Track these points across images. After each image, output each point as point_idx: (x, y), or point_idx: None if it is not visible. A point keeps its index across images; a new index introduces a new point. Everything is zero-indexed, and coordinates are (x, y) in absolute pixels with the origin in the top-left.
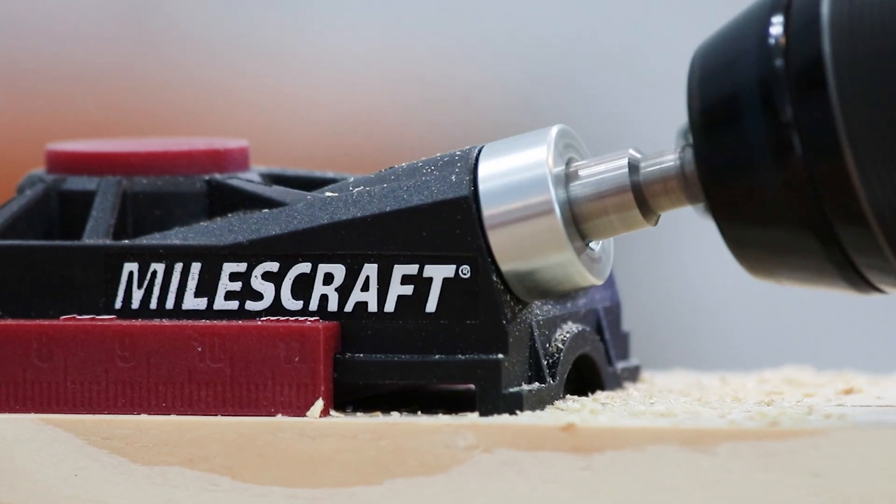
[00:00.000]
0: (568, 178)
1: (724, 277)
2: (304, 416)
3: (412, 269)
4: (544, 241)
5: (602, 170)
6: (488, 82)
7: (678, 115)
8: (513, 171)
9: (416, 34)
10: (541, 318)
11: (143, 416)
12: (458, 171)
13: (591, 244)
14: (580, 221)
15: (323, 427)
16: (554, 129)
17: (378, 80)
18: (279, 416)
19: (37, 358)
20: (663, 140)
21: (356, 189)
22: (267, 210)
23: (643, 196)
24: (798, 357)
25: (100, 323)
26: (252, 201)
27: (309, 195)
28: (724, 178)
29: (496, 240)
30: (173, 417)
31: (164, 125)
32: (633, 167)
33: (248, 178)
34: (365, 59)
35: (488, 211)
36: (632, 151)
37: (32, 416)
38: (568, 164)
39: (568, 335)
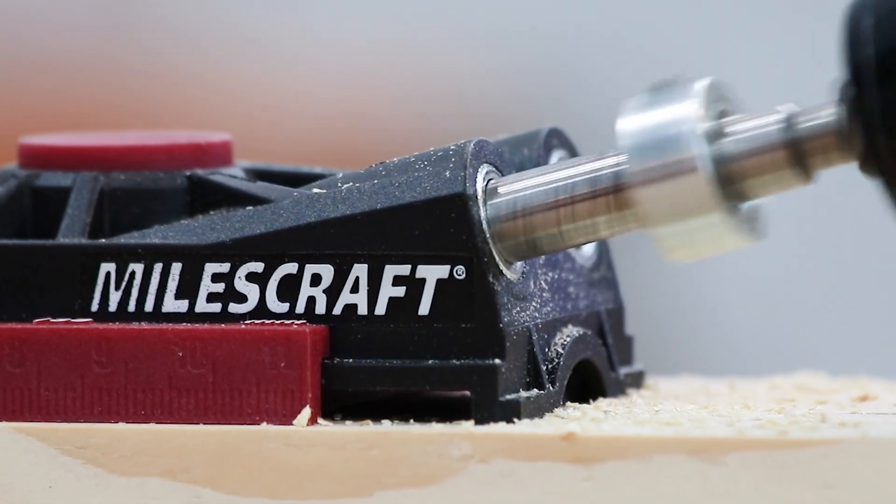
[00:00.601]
0: (717, 134)
1: (733, 278)
2: (291, 424)
3: (404, 269)
4: (691, 201)
5: (754, 125)
6: (483, 74)
7: None
8: (658, 126)
9: (409, 25)
10: (540, 321)
11: (121, 425)
12: (453, 167)
13: (743, 204)
14: (730, 181)
15: (310, 436)
16: (703, 82)
17: (369, 71)
18: (264, 424)
19: (8, 363)
20: None
21: (345, 185)
22: (251, 207)
23: (799, 153)
24: (810, 362)
25: (75, 326)
26: (235, 198)
27: (295, 192)
28: (893, 135)
29: (642, 198)
30: (152, 426)
31: (144, 118)
32: (789, 123)
33: (232, 174)
34: (355, 50)
35: (633, 168)
36: (786, 106)
37: (4, 424)
38: (718, 118)
39: (568, 339)
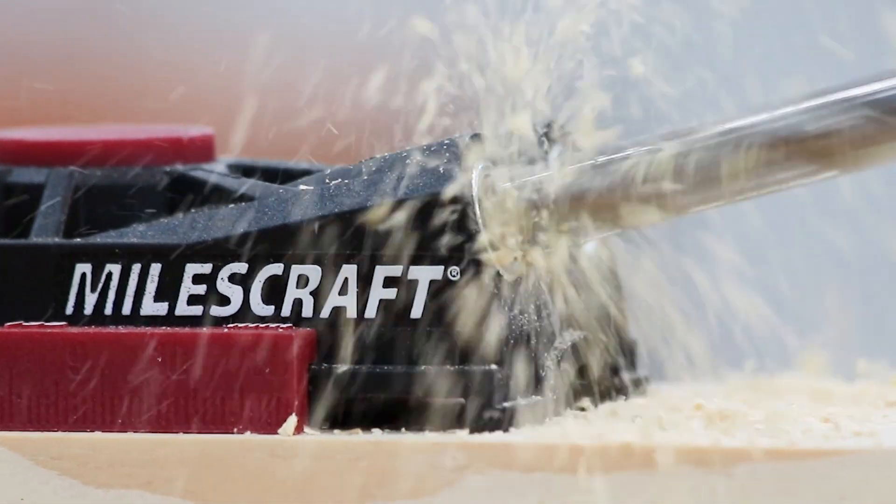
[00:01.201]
0: None
1: (740, 280)
2: (276, 433)
3: (395, 270)
4: None
5: None
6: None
7: (673, 97)
8: None
9: (402, 15)
10: (538, 324)
11: (97, 434)
12: (447, 162)
13: None
14: None
15: (296, 446)
16: None
17: (360, 62)
18: (248, 433)
19: None
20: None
21: (333, 182)
22: (234, 205)
23: None
24: (824, 368)
25: (49, 330)
26: (218, 195)
27: (281, 188)
28: None
29: None
30: (131, 435)
31: (121, 110)
32: None
33: (214, 170)
34: (345, 38)
35: None
36: None
37: None
38: None
39: (569, 343)
